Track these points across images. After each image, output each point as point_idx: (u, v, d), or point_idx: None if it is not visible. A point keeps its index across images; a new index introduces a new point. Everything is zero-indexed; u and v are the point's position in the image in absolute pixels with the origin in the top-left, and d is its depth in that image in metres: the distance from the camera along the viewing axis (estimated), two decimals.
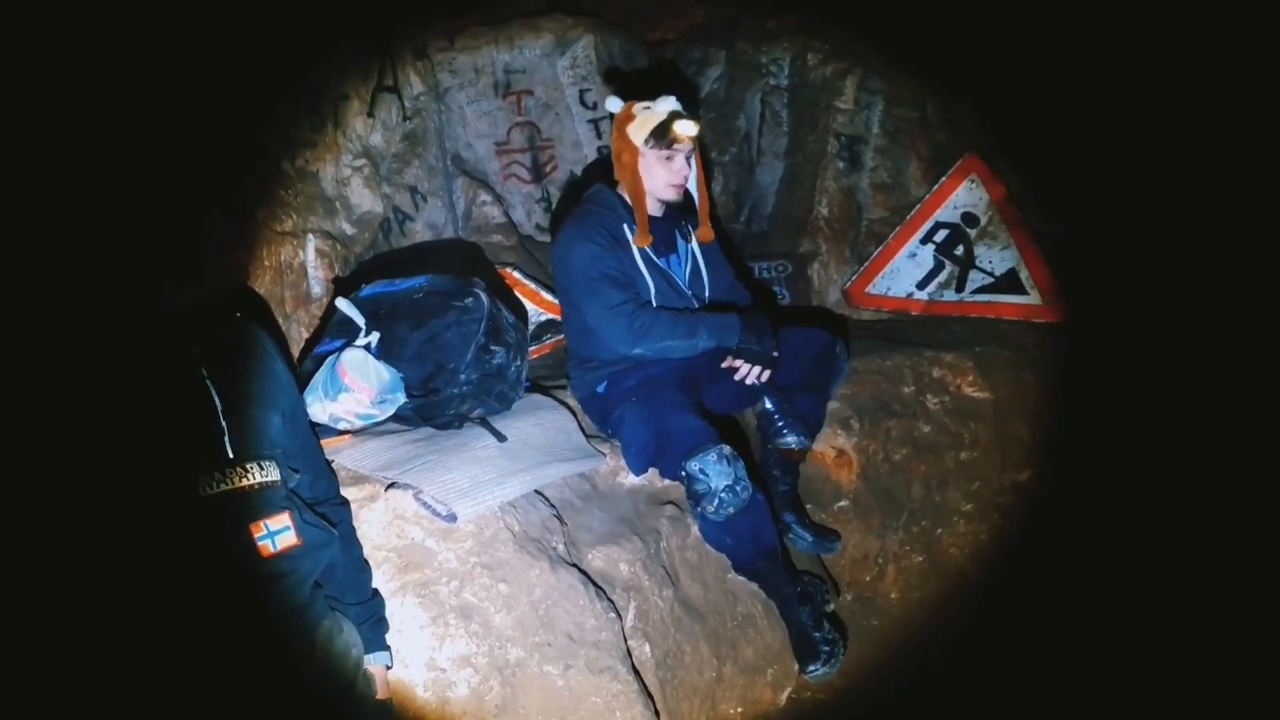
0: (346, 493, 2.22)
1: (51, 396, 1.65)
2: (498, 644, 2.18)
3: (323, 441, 2.25)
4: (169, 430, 1.71)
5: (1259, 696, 2.52)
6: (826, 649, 2.60)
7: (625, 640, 2.37)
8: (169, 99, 2.61)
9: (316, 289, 3.35)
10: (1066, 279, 3.86)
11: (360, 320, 2.65)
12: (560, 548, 2.45)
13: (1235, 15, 3.70)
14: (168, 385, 1.74)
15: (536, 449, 2.63)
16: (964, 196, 4.16)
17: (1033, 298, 3.89)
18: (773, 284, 4.42)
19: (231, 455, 1.73)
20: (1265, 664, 2.59)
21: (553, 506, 2.55)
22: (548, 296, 3.92)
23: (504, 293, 3.61)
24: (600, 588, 2.41)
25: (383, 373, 2.55)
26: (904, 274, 4.24)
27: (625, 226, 2.82)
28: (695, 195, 2.98)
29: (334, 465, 2.27)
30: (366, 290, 2.79)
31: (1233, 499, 3.08)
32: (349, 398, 2.50)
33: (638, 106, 2.79)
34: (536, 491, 2.54)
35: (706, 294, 2.98)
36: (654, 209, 2.85)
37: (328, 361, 2.56)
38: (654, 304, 2.80)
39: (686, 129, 2.73)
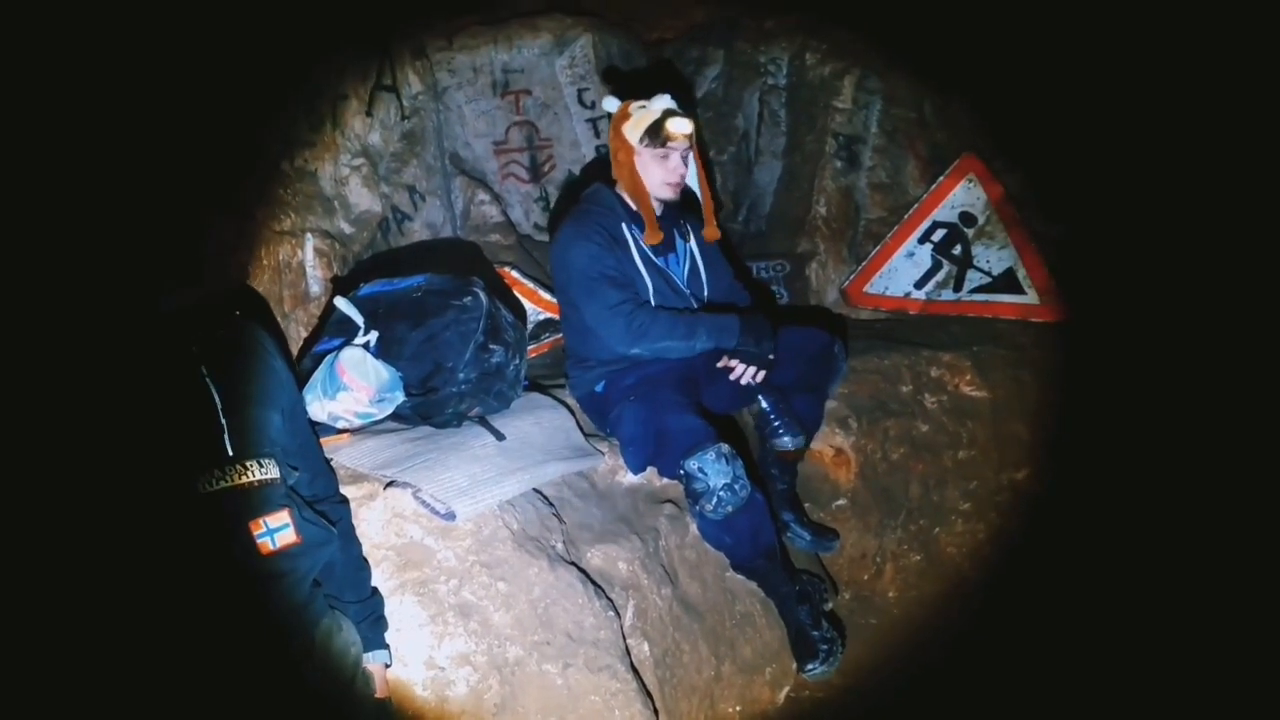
0: (345, 491, 2.22)
1: (52, 395, 1.65)
2: (496, 642, 2.19)
3: (321, 440, 2.25)
4: (169, 428, 1.71)
5: (1258, 694, 2.52)
6: (825, 647, 2.60)
7: (624, 639, 2.37)
8: (168, 99, 2.61)
9: (315, 288, 3.35)
10: (1064, 278, 3.86)
11: (359, 319, 2.65)
12: (559, 546, 2.45)
13: (1232, 15, 3.71)
14: (167, 383, 1.74)
15: (535, 448, 2.63)
16: (962, 196, 4.17)
17: (1030, 297, 3.90)
18: (771, 283, 4.43)
19: (231, 453, 1.73)
20: (1263, 662, 2.60)
21: (551, 505, 2.55)
22: (546, 296, 3.92)
23: (502, 292, 3.61)
24: (599, 586, 2.42)
25: (381, 371, 2.55)
26: (902, 273, 4.24)
27: (624, 226, 2.82)
28: (699, 194, 2.98)
29: (333, 463, 2.27)
30: (365, 289, 2.79)
31: (1231, 497, 3.09)
32: (348, 396, 2.50)
33: (634, 106, 2.80)
34: (535, 490, 2.54)
35: (705, 294, 2.98)
36: (653, 207, 2.86)
37: (326, 360, 2.56)
38: (653, 304, 2.81)
39: (680, 127, 2.73)
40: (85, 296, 1.74)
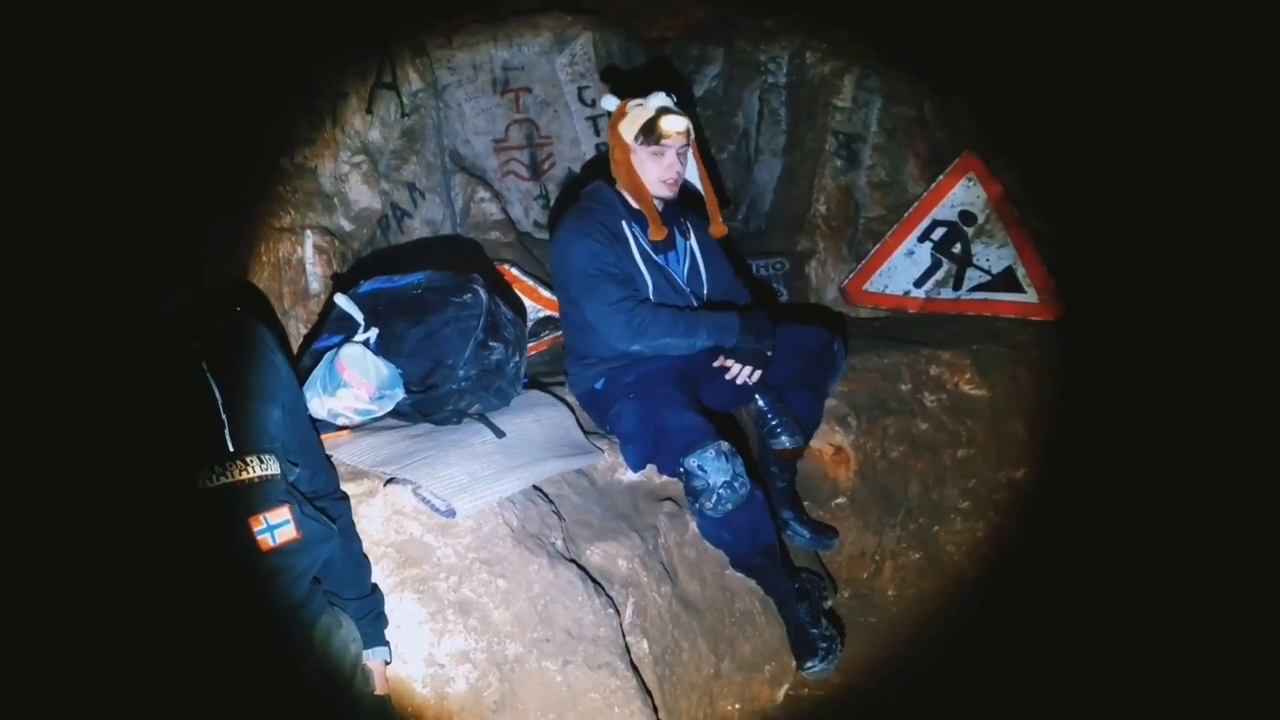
0: (345, 488, 2.21)
1: (53, 390, 1.65)
2: (496, 639, 2.19)
3: (321, 437, 2.25)
4: (169, 423, 1.71)
5: (1254, 691, 2.52)
6: (824, 645, 2.60)
7: (623, 636, 2.37)
8: (169, 98, 2.61)
9: (315, 285, 3.35)
10: (1063, 277, 3.87)
11: (359, 316, 2.65)
12: (559, 543, 2.45)
13: (1230, 14, 3.71)
14: (168, 379, 1.74)
15: (535, 445, 2.63)
16: (961, 195, 4.17)
17: (1029, 296, 3.90)
18: (770, 281, 4.43)
19: (232, 449, 1.73)
20: (1259, 658, 2.61)
21: (551, 502, 2.55)
22: (546, 293, 3.92)
23: (502, 289, 3.61)
24: (598, 584, 2.42)
25: (381, 368, 2.54)
26: (901, 272, 4.24)
27: (624, 223, 2.82)
28: (701, 191, 2.98)
29: (333, 460, 2.27)
30: (365, 286, 2.79)
31: (1229, 495, 3.09)
32: (348, 393, 2.50)
33: (631, 104, 2.81)
34: (535, 487, 2.54)
35: (705, 291, 2.98)
36: (654, 204, 2.86)
37: (326, 357, 2.56)
38: (646, 299, 2.81)
39: (673, 124, 2.74)
40: (86, 293, 1.74)
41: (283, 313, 3.22)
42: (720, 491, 2.50)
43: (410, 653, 2.14)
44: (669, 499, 2.79)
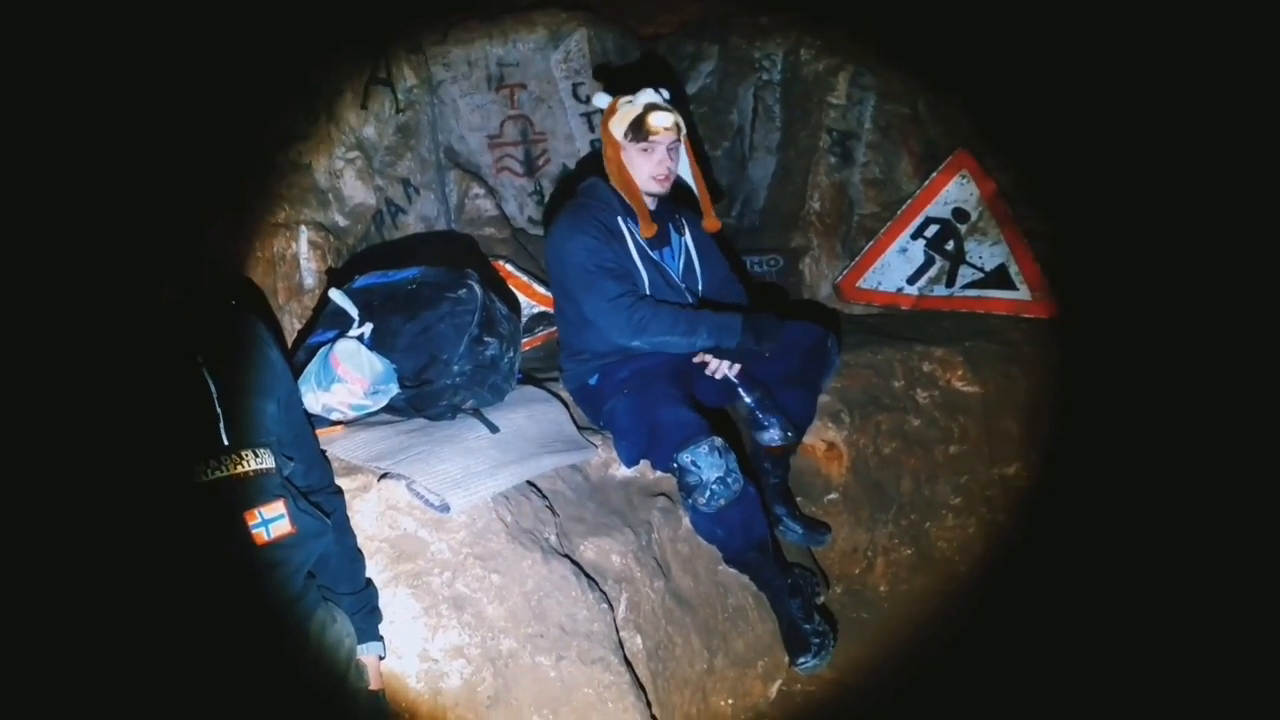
0: (339, 483, 2.21)
1: (48, 384, 1.65)
2: (490, 635, 2.19)
3: (316, 432, 2.25)
4: (164, 417, 1.71)
5: (1245, 687, 2.54)
6: (816, 641, 2.61)
7: (617, 631, 2.38)
8: (165, 94, 2.60)
9: (309, 280, 3.35)
10: (1056, 275, 3.88)
11: (353, 311, 2.65)
12: (552, 539, 2.46)
13: (1223, 13, 3.72)
14: (164, 373, 1.74)
15: (529, 440, 2.63)
16: (955, 192, 4.19)
17: (1022, 293, 3.91)
18: (764, 278, 4.44)
19: (227, 442, 1.73)
20: (1249, 651, 2.62)
21: (545, 498, 2.55)
22: (540, 289, 3.92)
23: (497, 285, 3.61)
24: (592, 579, 2.42)
25: (376, 364, 2.55)
26: (895, 269, 4.26)
27: (620, 219, 2.82)
28: (694, 187, 2.98)
29: (327, 455, 2.27)
30: (360, 281, 2.79)
31: (1220, 491, 3.11)
32: (342, 388, 2.50)
33: (621, 101, 2.81)
34: (529, 483, 2.55)
35: (700, 287, 2.99)
36: (644, 201, 2.86)
37: (321, 352, 2.56)
38: (646, 295, 2.81)
39: (661, 121, 2.74)
40: (83, 288, 1.74)
41: (277, 308, 3.23)
42: (713, 487, 2.50)
43: (404, 648, 2.14)
44: (662, 494, 2.80)
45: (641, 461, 2.80)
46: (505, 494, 2.42)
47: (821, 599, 2.87)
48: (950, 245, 4.14)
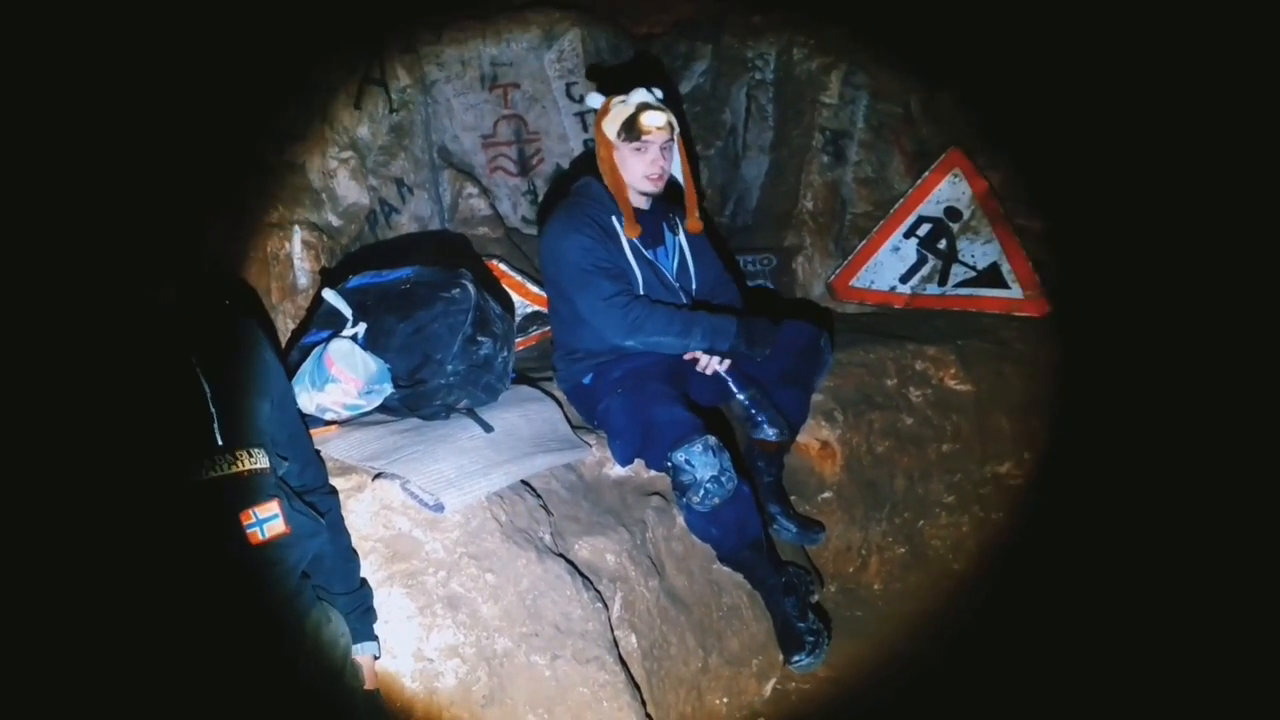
0: (333, 483, 2.22)
1: (41, 384, 1.64)
2: (485, 634, 2.19)
3: (310, 432, 2.25)
4: (158, 417, 1.70)
5: (1237, 683, 2.55)
6: (811, 639, 2.62)
7: (611, 630, 2.38)
8: (159, 93, 2.60)
9: (303, 280, 3.35)
10: (1048, 273, 3.90)
11: (347, 311, 2.65)
12: (547, 538, 2.46)
13: (1214, 13, 3.74)
14: (157, 372, 1.74)
15: (523, 440, 2.64)
16: (947, 191, 4.20)
17: (1014, 292, 3.93)
18: (757, 277, 4.44)
19: (221, 442, 1.73)
20: (1240, 646, 2.64)
21: (539, 497, 2.56)
22: (534, 289, 3.92)
23: (490, 285, 3.61)
24: (587, 578, 2.42)
25: (370, 363, 2.54)
26: (887, 268, 4.26)
27: (614, 219, 2.83)
28: (683, 187, 2.99)
29: (321, 455, 2.27)
30: (353, 281, 2.78)
31: (1212, 488, 3.12)
32: (336, 388, 2.50)
33: (613, 101, 2.81)
34: (523, 482, 2.55)
35: (694, 286, 2.99)
36: (638, 201, 2.87)
37: (314, 352, 2.55)
38: (641, 295, 2.81)
39: (654, 120, 2.75)
40: (75, 288, 1.74)
41: (271, 308, 3.22)
42: (707, 486, 2.51)
43: (399, 647, 2.14)
44: (656, 494, 2.80)
45: (636, 461, 2.80)
46: (500, 493, 2.43)
47: (816, 597, 2.87)
48: (943, 244, 4.15)
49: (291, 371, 2.53)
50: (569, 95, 4.58)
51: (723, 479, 2.52)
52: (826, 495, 3.27)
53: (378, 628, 2.10)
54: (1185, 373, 3.44)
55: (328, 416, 2.55)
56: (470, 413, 2.64)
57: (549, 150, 4.65)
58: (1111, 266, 3.70)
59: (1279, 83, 3.67)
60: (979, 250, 4.06)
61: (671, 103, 2.87)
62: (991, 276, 4.00)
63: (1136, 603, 2.86)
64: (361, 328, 2.62)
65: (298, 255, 3.36)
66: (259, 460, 1.79)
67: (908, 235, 4.24)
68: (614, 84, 2.93)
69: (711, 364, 2.77)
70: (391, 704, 2.09)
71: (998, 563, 3.26)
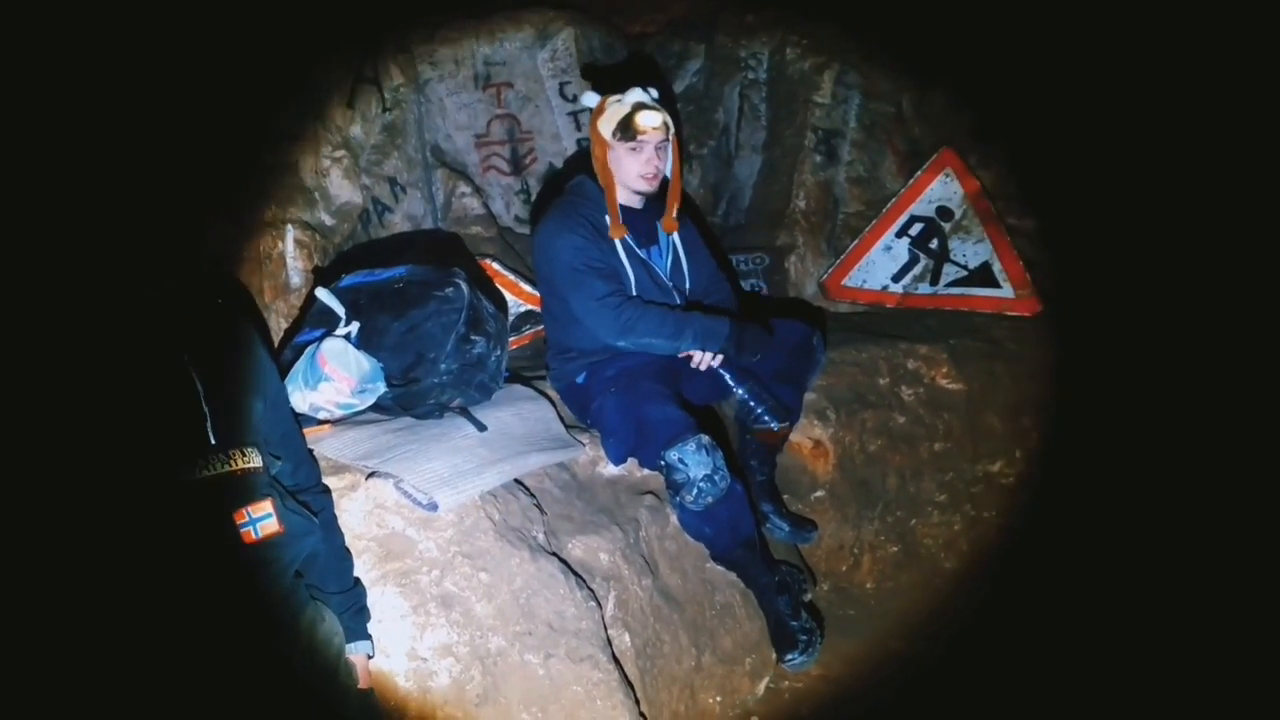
0: (327, 482, 2.22)
1: (33, 382, 1.64)
2: (479, 633, 2.19)
3: (303, 431, 2.25)
4: (152, 417, 1.70)
5: (1229, 678, 2.57)
6: (804, 638, 2.62)
7: (605, 629, 2.39)
8: (153, 93, 2.59)
9: (295, 279, 3.34)
10: (1039, 272, 3.91)
11: (340, 310, 2.65)
12: (540, 537, 2.46)
13: (1206, 13, 3.76)
14: (151, 372, 1.74)
15: (516, 439, 2.64)
16: (939, 191, 4.21)
17: (1005, 291, 3.94)
18: (750, 276, 4.45)
19: (214, 442, 1.73)
20: (1231, 641, 2.65)
21: (532, 496, 2.56)
22: (527, 288, 3.92)
23: (483, 284, 3.61)
24: (580, 577, 2.43)
25: (363, 362, 2.54)
26: (880, 267, 4.27)
27: (607, 218, 2.83)
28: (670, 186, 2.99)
29: (314, 454, 2.27)
30: (346, 280, 2.78)
31: (1203, 487, 3.14)
32: (329, 387, 2.50)
33: (609, 100, 2.81)
34: (516, 481, 2.55)
35: (687, 286, 2.99)
36: (631, 200, 2.87)
37: (307, 351, 2.55)
38: (633, 294, 2.82)
39: (649, 120, 2.75)
40: (68, 286, 1.73)
41: (263, 307, 3.22)
42: (701, 485, 2.52)
43: (393, 647, 2.14)
44: (650, 492, 2.81)
45: (629, 459, 2.81)
46: (493, 492, 2.43)
47: (808, 596, 2.88)
48: (934, 243, 4.17)
49: (284, 370, 2.53)
50: (562, 94, 4.58)
51: (716, 478, 2.53)
52: (819, 494, 3.28)
53: (371, 627, 2.10)
54: (1176, 371, 3.46)
55: (321, 415, 2.55)
56: (464, 411, 2.64)
57: (542, 149, 4.65)
58: (1102, 266, 3.71)
59: (1268, 81, 3.69)
60: (970, 249, 4.08)
61: (665, 102, 2.88)
62: (983, 276, 4.01)
63: (1128, 600, 2.87)
64: (354, 326, 2.62)
65: (290, 254, 3.36)
66: (252, 459, 1.79)
67: (900, 234, 4.25)
68: (608, 83, 2.93)
69: (705, 359, 2.77)
70: (385, 703, 2.09)
71: (989, 561, 3.27)
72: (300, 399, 2.50)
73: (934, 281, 4.13)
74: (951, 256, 4.11)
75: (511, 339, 3.59)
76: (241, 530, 1.74)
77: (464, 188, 4.44)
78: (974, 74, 4.07)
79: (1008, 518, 3.39)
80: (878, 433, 3.41)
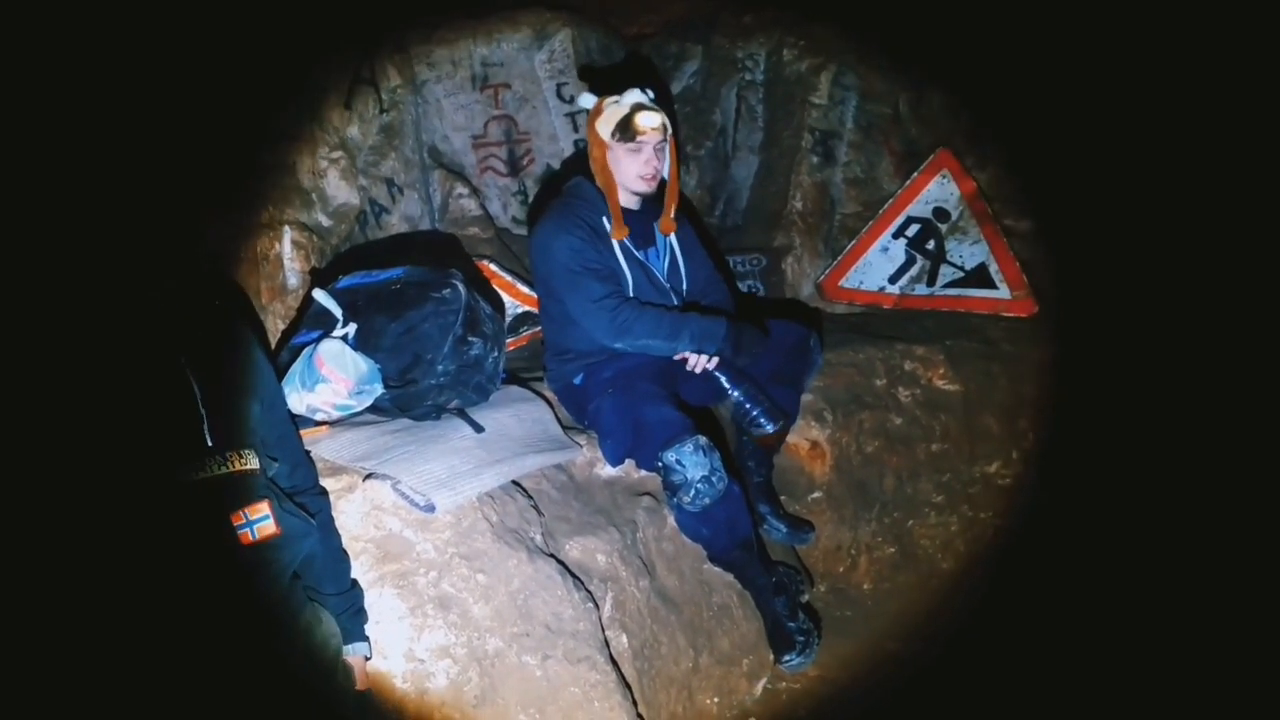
0: (324, 483, 2.21)
1: (30, 384, 1.64)
2: (476, 634, 2.19)
3: (300, 432, 2.25)
4: (147, 418, 1.70)
5: (1226, 678, 2.57)
6: (801, 639, 2.63)
7: (602, 630, 2.39)
8: (150, 93, 2.59)
9: (293, 280, 3.34)
10: (1035, 273, 3.91)
11: (337, 311, 2.65)
12: (538, 538, 2.46)
13: (1202, 14, 3.76)
14: (146, 373, 1.73)
15: (514, 440, 2.64)
16: (935, 191, 4.22)
17: (1002, 292, 3.95)
18: (747, 277, 4.45)
19: (211, 443, 1.73)
20: (1227, 641, 2.66)
21: (530, 497, 2.56)
22: (524, 289, 3.92)
23: (481, 285, 3.61)
24: (578, 578, 2.43)
25: (360, 364, 2.54)
26: (876, 268, 4.28)
27: (605, 219, 2.83)
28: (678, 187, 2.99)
29: (311, 456, 2.27)
30: (343, 281, 2.78)
31: (1200, 487, 3.14)
32: (326, 389, 2.50)
33: (607, 101, 2.82)
34: (514, 482, 2.55)
35: (685, 287, 3.00)
36: (629, 201, 2.87)
37: (305, 353, 2.55)
38: (631, 296, 2.82)
39: (648, 121, 2.75)
40: (68, 286, 1.73)
41: (260, 308, 3.21)
42: (698, 486, 2.52)
43: (390, 648, 2.14)
44: (647, 494, 2.81)
45: (626, 461, 2.81)
46: (490, 494, 2.43)
47: (806, 597, 2.88)
48: (931, 244, 4.17)
49: (281, 372, 2.52)
50: (559, 96, 4.58)
51: (713, 479, 2.53)
52: (816, 495, 3.28)
53: (369, 628, 2.10)
54: (1172, 372, 3.46)
55: (318, 417, 2.55)
56: (461, 413, 2.64)
57: (539, 150, 4.65)
58: (1098, 267, 3.72)
59: (1264, 82, 3.69)
60: (967, 250, 4.08)
61: (663, 103, 2.88)
62: (979, 277, 4.02)
63: (1125, 600, 2.88)
64: (352, 328, 2.62)
65: (287, 255, 3.35)
66: (249, 461, 1.78)
67: (896, 236, 4.26)
68: (606, 84, 2.93)
69: (700, 362, 2.77)
70: (383, 705, 2.09)
71: (986, 562, 3.28)
72: (297, 400, 2.50)
73: (931, 282, 4.13)
74: (948, 257, 4.12)
75: (509, 340, 3.59)
76: (239, 532, 1.74)
77: (461, 189, 4.44)
78: (971, 75, 4.08)
79: (1004, 519, 3.39)
80: (875, 434, 3.41)
